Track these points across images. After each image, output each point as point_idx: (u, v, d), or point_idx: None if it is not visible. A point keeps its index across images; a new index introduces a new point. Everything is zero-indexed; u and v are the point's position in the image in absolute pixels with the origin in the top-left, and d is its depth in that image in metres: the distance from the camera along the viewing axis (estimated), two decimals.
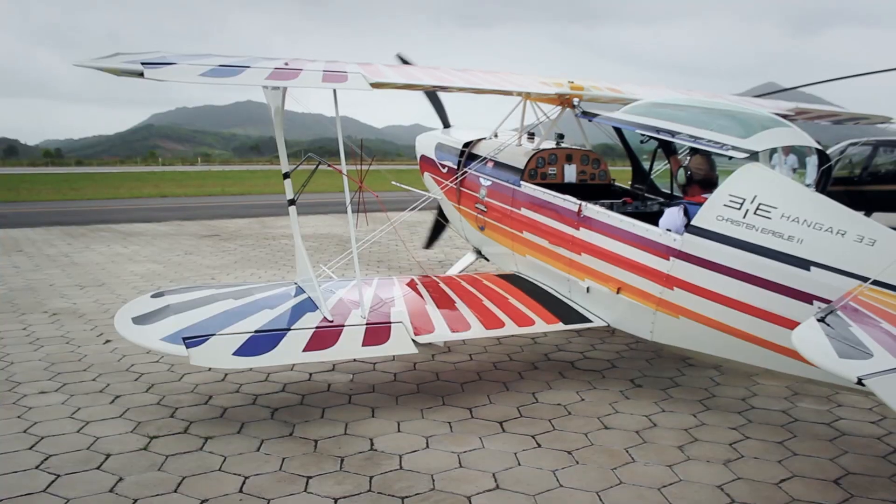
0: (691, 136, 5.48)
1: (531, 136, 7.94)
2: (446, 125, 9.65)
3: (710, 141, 5.32)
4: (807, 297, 4.39)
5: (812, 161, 14.92)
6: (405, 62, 8.38)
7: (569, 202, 6.27)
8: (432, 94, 9.38)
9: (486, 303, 6.03)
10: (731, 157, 5.41)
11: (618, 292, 5.71)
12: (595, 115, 6.63)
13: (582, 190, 7.05)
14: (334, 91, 5.31)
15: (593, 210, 6.01)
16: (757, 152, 5.09)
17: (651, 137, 6.41)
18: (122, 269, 11.44)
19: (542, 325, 5.90)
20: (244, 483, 4.15)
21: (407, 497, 3.99)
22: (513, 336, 6.89)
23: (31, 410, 5.27)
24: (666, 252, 5.25)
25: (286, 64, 5.30)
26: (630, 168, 7.97)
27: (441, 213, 9.39)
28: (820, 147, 5.74)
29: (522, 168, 7.13)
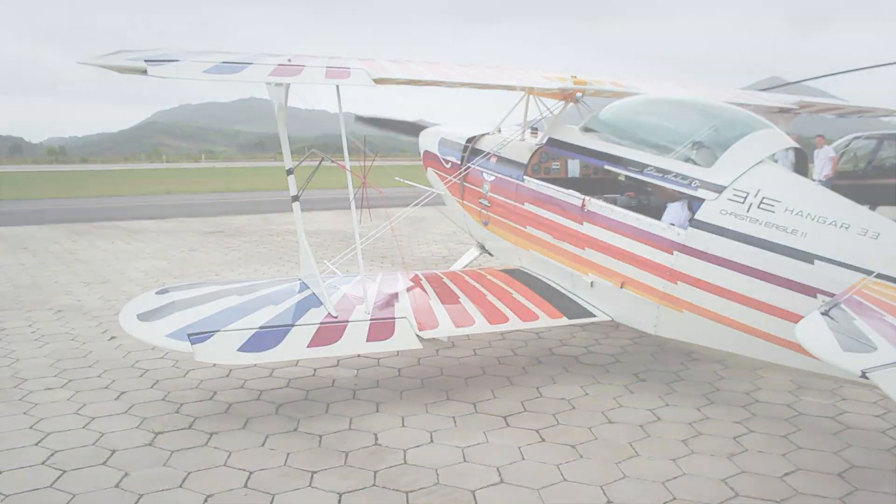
0: (659, 171, 5.53)
1: (534, 131, 7.94)
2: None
3: (678, 175, 5.39)
4: (810, 291, 4.38)
5: (820, 154, 14.93)
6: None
7: (572, 197, 6.27)
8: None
9: (490, 298, 6.03)
10: (703, 200, 5.26)
11: (621, 287, 5.71)
12: (568, 147, 6.68)
13: (585, 184, 7.05)
14: (337, 87, 5.32)
15: (597, 204, 6.01)
16: (725, 187, 5.05)
17: (620, 172, 6.35)
18: (126, 266, 11.47)
19: (546, 320, 5.90)
20: (249, 478, 4.17)
21: (411, 491, 4.01)
22: (517, 331, 6.88)
23: (38, 406, 5.30)
24: (669, 246, 5.25)
25: (289, 60, 5.30)
26: None
27: None
28: (798, 146, 5.80)
29: (526, 163, 7.13)
